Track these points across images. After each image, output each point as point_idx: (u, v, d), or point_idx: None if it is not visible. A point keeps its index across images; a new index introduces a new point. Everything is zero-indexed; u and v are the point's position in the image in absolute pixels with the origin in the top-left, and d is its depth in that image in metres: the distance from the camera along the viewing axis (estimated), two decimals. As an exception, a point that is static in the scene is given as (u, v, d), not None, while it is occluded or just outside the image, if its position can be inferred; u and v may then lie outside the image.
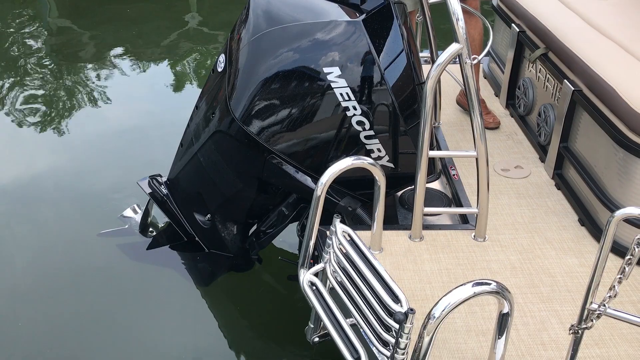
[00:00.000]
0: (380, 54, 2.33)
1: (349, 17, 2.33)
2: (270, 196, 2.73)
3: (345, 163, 1.99)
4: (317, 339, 1.95)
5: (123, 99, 4.83)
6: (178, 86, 5.06)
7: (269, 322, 2.92)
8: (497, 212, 2.45)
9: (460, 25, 1.97)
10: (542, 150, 2.80)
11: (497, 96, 3.40)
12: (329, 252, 1.79)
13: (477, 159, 2.14)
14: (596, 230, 2.27)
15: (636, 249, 1.32)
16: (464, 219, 2.44)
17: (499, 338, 1.51)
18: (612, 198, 2.20)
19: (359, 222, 2.48)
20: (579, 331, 1.48)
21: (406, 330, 1.45)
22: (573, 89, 2.44)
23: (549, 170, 2.67)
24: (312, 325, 1.94)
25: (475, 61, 1.99)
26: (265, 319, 2.93)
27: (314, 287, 1.77)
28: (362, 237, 2.24)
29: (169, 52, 5.75)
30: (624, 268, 1.35)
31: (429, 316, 1.37)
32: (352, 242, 1.72)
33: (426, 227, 2.35)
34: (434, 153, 2.20)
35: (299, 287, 1.86)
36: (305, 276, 1.82)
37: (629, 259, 1.33)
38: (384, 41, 2.35)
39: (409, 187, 2.55)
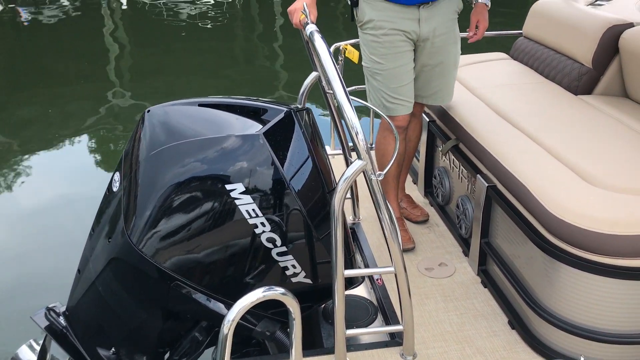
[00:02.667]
0: (285, 164, 2.19)
1: (249, 130, 2.19)
2: (180, 323, 2.47)
3: (254, 296, 1.83)
4: None
5: (13, 219, 4.42)
6: (75, 201, 4.72)
7: None
8: (424, 321, 2.30)
9: (360, 139, 1.85)
10: (464, 244, 2.71)
11: (415, 184, 3.33)
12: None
13: (395, 275, 2.00)
14: (527, 335, 2.15)
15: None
16: (392, 334, 2.27)
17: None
18: (539, 302, 2.10)
19: (279, 346, 2.27)
20: None
21: None
22: (487, 184, 2.38)
23: (474, 265, 2.57)
24: None
25: (380, 177, 1.87)
26: None
27: None
28: (281, 370, 2.04)
29: (56, 164, 5.42)
30: None
31: None
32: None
33: (351, 346, 2.17)
34: (350, 272, 2.04)
35: None
36: None
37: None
38: (287, 151, 2.22)
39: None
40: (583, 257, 1.90)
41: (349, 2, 2.63)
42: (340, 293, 2.00)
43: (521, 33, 3.57)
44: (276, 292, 1.86)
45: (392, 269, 1.99)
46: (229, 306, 2.24)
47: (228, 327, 1.76)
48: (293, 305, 1.88)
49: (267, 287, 1.85)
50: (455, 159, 2.79)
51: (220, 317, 2.18)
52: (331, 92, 2.67)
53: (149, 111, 2.40)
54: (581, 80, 2.94)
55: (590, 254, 1.88)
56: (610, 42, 2.85)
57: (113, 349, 2.55)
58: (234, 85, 7.49)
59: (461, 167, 2.73)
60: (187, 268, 2.17)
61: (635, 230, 1.84)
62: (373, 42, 2.55)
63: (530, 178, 2.16)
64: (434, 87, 2.71)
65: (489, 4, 2.70)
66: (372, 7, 2.52)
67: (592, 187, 2.04)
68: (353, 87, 3.56)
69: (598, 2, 3.41)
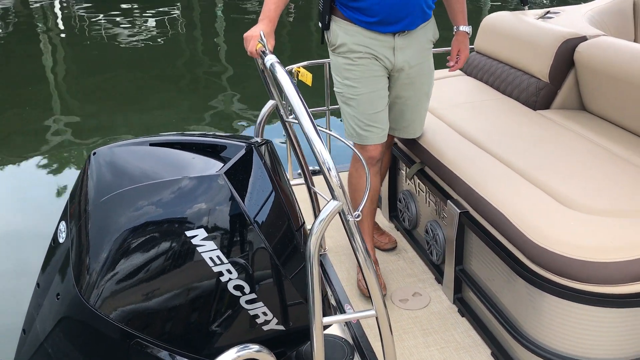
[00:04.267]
0: (248, 204, 2.04)
1: (209, 170, 2.03)
2: (142, 381, 2.27)
3: (228, 357, 1.70)
4: None
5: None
6: (16, 251, 4.37)
7: None
8: (406, 358, 2.19)
9: (332, 175, 1.72)
10: (437, 270, 2.62)
11: (379, 208, 3.23)
12: None
13: (377, 318, 1.88)
14: (513, 367, 2.07)
15: None
16: (372, 375, 2.15)
17: None
18: (523, 333, 2.02)
19: (253, 400, 2.11)
20: None
21: None
22: (459, 211, 2.30)
23: (449, 293, 2.48)
24: None
25: (358, 218, 1.75)
26: None
27: None
28: None
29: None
30: None
31: None
32: None
33: (331, 394, 2.03)
34: (328, 320, 1.90)
35: None
36: None
37: None
38: (250, 190, 2.06)
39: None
40: (569, 287, 1.83)
41: (320, 25, 2.46)
42: (319, 343, 1.86)
43: (472, 48, 3.55)
44: (251, 351, 1.72)
45: (372, 312, 1.87)
46: (196, 362, 2.07)
47: (201, 392, 1.59)
48: (270, 362, 1.73)
49: (241, 346, 1.71)
50: (421, 183, 2.70)
51: (188, 375, 2.02)
52: (289, 121, 2.56)
53: (94, 153, 2.20)
54: (539, 95, 2.92)
55: (577, 283, 1.81)
56: (566, 56, 2.84)
57: (68, 416, 2.32)
58: (181, 113, 7.21)
59: (428, 191, 2.65)
60: (148, 324, 1.98)
61: (621, 256, 1.79)
62: (347, 64, 2.38)
63: (505, 204, 2.09)
64: (407, 119, 2.56)
65: (470, 31, 2.58)
66: (346, 31, 2.36)
67: (571, 210, 1.99)
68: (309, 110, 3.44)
69: (548, 15, 3.42)
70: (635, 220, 1.92)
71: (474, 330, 2.30)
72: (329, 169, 1.72)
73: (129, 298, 1.96)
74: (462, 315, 2.39)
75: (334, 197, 1.72)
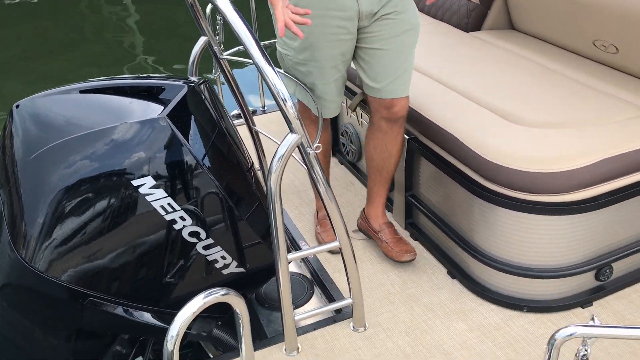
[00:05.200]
0: (195, 147, 1.94)
1: (149, 114, 1.90)
2: (98, 340, 2.18)
3: (195, 305, 1.60)
4: None
5: None
6: None
7: None
8: (366, 286, 2.22)
9: (289, 106, 1.65)
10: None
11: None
12: None
13: (340, 249, 1.87)
14: (470, 283, 2.14)
15: (580, 365, 1.14)
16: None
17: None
18: (478, 248, 2.08)
19: (220, 345, 2.08)
20: None
21: None
22: (407, 137, 2.29)
23: (400, 220, 2.51)
24: None
25: (318, 150, 1.70)
26: None
27: None
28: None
29: None
30: None
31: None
32: None
33: (298, 329, 2.03)
34: (294, 255, 1.87)
35: None
36: None
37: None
38: (195, 132, 1.96)
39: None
40: (522, 199, 1.88)
41: None
42: (285, 279, 1.84)
43: (399, -26, 3.49)
44: (218, 295, 1.65)
45: (337, 243, 1.86)
46: (156, 314, 2.01)
47: (172, 343, 1.53)
48: (239, 304, 1.69)
49: (207, 292, 1.64)
50: (364, 114, 2.67)
51: (149, 328, 1.96)
52: (225, 57, 2.43)
53: (17, 106, 2.01)
54: (470, 17, 2.93)
55: (530, 195, 1.87)
56: (494, -24, 2.85)
57: (21, 387, 2.20)
58: (92, 63, 6.76)
59: (372, 121, 2.63)
60: (101, 281, 1.88)
61: (570, 165, 1.85)
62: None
63: (453, 125, 2.11)
64: (393, 73, 2.06)
65: None
66: None
67: (517, 126, 2.03)
68: (235, 48, 3.30)
69: (471, -64, 3.40)
70: (577, 129, 1.99)
71: (428, 252, 2.35)
72: (284, 100, 1.66)
73: (78, 257, 1.85)
74: (415, 239, 2.43)
75: (292, 130, 1.67)
